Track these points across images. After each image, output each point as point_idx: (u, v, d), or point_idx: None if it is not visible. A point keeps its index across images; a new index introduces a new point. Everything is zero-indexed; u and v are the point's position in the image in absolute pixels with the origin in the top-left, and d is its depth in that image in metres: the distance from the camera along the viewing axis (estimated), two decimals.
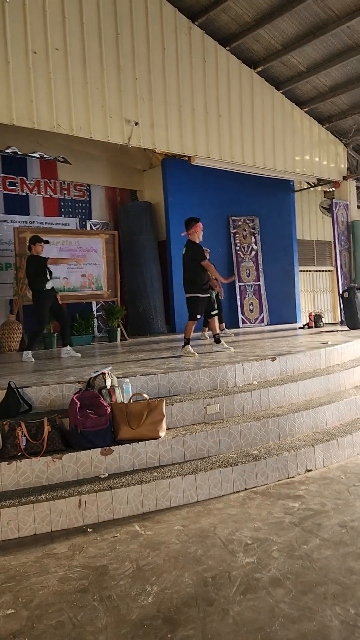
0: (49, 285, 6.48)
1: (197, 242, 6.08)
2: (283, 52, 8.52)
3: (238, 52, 8.64)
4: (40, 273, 6.46)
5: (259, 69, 8.93)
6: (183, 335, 6.08)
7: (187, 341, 5.96)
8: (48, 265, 6.51)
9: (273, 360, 5.05)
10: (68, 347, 6.60)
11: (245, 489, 3.61)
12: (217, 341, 6.21)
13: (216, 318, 6.37)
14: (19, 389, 3.97)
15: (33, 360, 6.16)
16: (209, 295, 6.16)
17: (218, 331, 6.36)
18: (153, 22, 7.55)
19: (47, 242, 6.71)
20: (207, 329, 7.84)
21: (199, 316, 6.07)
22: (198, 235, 6.09)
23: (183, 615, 2.20)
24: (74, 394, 3.78)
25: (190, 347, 5.91)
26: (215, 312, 6.35)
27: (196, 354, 5.81)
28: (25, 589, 2.49)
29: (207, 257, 6.18)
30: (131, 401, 3.85)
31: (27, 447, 3.44)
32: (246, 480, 3.62)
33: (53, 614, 2.27)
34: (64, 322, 6.74)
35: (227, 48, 8.50)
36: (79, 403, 3.66)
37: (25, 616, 2.27)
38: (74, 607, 2.31)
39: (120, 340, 8.61)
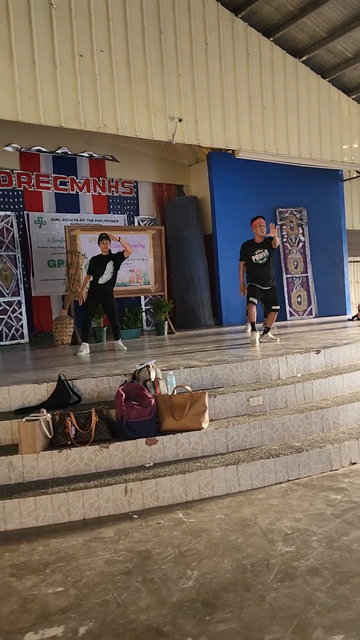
0: (101, 280, 6.74)
1: (254, 238, 6.41)
2: (328, 39, 8.36)
3: (282, 42, 8.54)
4: (92, 268, 6.80)
5: (304, 58, 8.79)
6: None
7: (252, 326, 6.30)
8: (108, 262, 6.79)
9: (317, 353, 5.03)
10: (117, 341, 6.85)
11: (288, 480, 3.65)
12: (265, 332, 6.53)
13: (275, 314, 6.60)
14: (69, 381, 4.16)
15: (84, 353, 6.40)
16: (268, 288, 6.44)
17: (270, 325, 6.67)
18: (195, 18, 7.59)
19: (102, 237, 6.89)
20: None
21: (251, 298, 6.39)
22: (254, 232, 6.40)
23: (221, 599, 2.29)
24: (120, 386, 3.92)
25: (256, 336, 6.08)
26: (277, 307, 6.56)
27: (258, 344, 6.00)
28: (74, 569, 2.65)
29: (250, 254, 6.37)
30: (174, 393, 3.96)
31: (76, 437, 3.62)
32: (288, 472, 3.66)
33: (99, 593, 2.42)
34: (110, 316, 7.00)
35: (271, 39, 8.42)
36: (124, 395, 3.80)
37: (74, 594, 2.42)
38: (119, 588, 2.44)
39: (168, 333, 8.76)
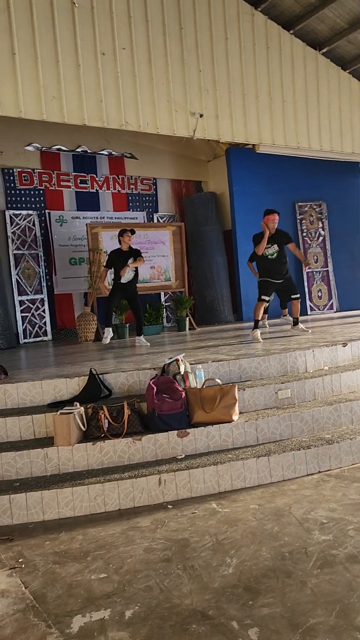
0: (123, 279, 6.81)
1: (263, 235, 6.37)
2: (349, 30, 8.29)
3: (302, 34, 8.49)
4: (112, 265, 6.88)
5: (324, 50, 8.73)
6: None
7: (255, 323, 6.29)
8: (129, 258, 6.85)
9: (344, 346, 5.03)
10: (140, 337, 6.88)
11: (319, 471, 3.68)
12: (295, 323, 6.57)
13: (297, 302, 6.60)
14: (100, 375, 4.23)
15: (108, 338, 6.66)
16: (281, 281, 6.42)
17: (298, 315, 6.66)
18: (215, 12, 7.59)
19: (126, 230, 6.95)
20: (286, 310, 7.96)
21: (263, 296, 6.40)
22: (267, 225, 6.39)
23: (263, 585, 2.33)
24: (151, 380, 3.98)
25: (258, 333, 6.12)
26: (296, 296, 6.56)
27: (261, 340, 6.01)
28: (114, 557, 2.71)
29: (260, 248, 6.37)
30: (204, 386, 4.00)
31: (109, 429, 3.69)
32: (319, 464, 3.68)
33: (141, 579, 2.48)
34: (135, 313, 7.05)
35: (291, 31, 8.38)
36: (155, 388, 3.86)
37: (117, 580, 2.48)
38: (160, 574, 2.50)
39: (189, 329, 8.80)
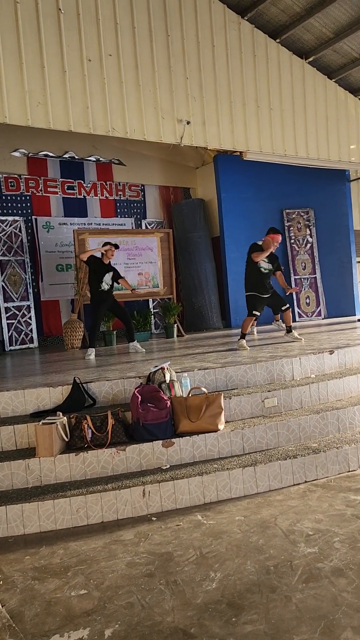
0: (105, 286, 6.78)
1: (265, 249, 6.35)
2: (335, 39, 8.35)
3: (288, 43, 8.55)
4: (92, 275, 6.83)
5: (310, 59, 8.79)
6: (240, 330, 6.40)
7: (242, 335, 6.22)
8: (108, 272, 6.83)
9: (331, 354, 5.01)
10: (134, 342, 6.85)
11: (305, 481, 3.63)
12: (289, 331, 6.60)
13: (289, 312, 6.65)
14: (84, 384, 4.17)
15: (92, 358, 6.40)
16: (269, 295, 6.48)
17: (290, 323, 6.70)
18: (202, 20, 7.61)
19: (110, 244, 6.90)
20: (278, 316, 8.01)
21: (255, 312, 6.41)
22: (265, 241, 6.39)
23: (246, 600, 2.28)
24: (135, 388, 3.92)
25: (244, 342, 6.11)
26: (287, 306, 6.60)
27: (248, 347, 6.01)
28: (95, 572, 2.64)
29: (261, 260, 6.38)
30: (190, 395, 3.95)
31: (93, 439, 3.62)
32: (306, 473, 3.64)
33: (123, 595, 2.41)
34: (123, 319, 7.00)
35: (277, 40, 8.42)
36: (140, 397, 3.80)
37: (97, 597, 2.41)
38: (142, 590, 2.43)
39: (177, 336, 8.75)
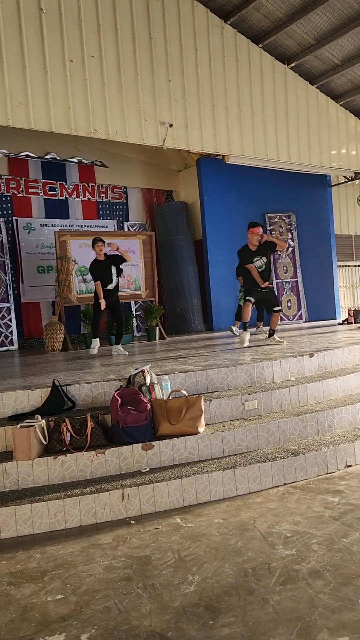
0: (110, 286, 6.84)
1: (248, 245, 6.56)
2: (317, 46, 8.45)
3: (271, 48, 8.62)
4: (100, 276, 6.84)
5: (293, 65, 8.87)
6: None
7: (244, 326, 6.47)
8: (111, 266, 6.88)
9: (311, 357, 5.04)
10: (118, 346, 6.88)
11: (285, 483, 3.65)
12: (271, 334, 6.66)
13: (278, 315, 6.71)
14: (63, 387, 4.13)
15: (95, 349, 6.73)
16: (266, 291, 6.58)
17: (275, 327, 6.75)
18: (185, 24, 7.63)
19: (96, 240, 6.90)
20: (261, 324, 8.11)
21: (248, 297, 6.53)
22: (250, 238, 6.56)
23: (224, 603, 2.27)
24: (115, 391, 3.90)
25: (246, 336, 6.29)
26: (278, 308, 6.68)
27: (245, 344, 6.22)
28: (73, 576, 2.61)
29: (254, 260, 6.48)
30: (170, 397, 3.94)
31: (72, 442, 3.58)
32: (285, 475, 3.66)
33: (100, 600, 2.38)
34: (117, 321, 7.09)
35: (260, 45, 8.49)
36: (120, 400, 3.78)
37: (74, 601, 2.39)
38: (119, 594, 2.41)
39: (159, 339, 8.73)
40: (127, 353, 6.70)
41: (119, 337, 6.99)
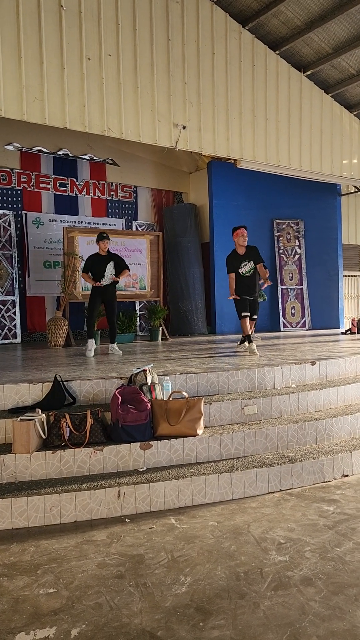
0: (104, 282, 6.68)
1: (236, 249, 6.49)
2: (334, 55, 8.47)
3: (287, 55, 8.65)
4: (90, 269, 6.76)
5: (308, 73, 8.90)
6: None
7: (248, 339, 6.29)
8: (108, 262, 6.77)
9: (313, 365, 5.05)
10: (114, 345, 6.79)
11: (280, 490, 3.65)
12: (245, 341, 6.54)
13: (253, 322, 6.76)
14: (65, 382, 4.15)
15: (92, 351, 6.44)
16: (252, 299, 6.53)
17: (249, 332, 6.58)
18: (204, 27, 7.67)
19: (103, 237, 6.82)
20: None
21: (243, 313, 6.44)
22: (236, 242, 6.51)
23: (215, 605, 2.28)
24: (116, 389, 3.91)
25: (254, 346, 6.14)
26: (255, 316, 6.73)
27: (258, 353, 6.07)
28: (65, 571, 2.63)
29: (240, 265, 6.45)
30: (170, 398, 3.95)
31: (71, 438, 3.60)
32: (281, 482, 3.66)
33: (91, 595, 2.40)
34: (109, 318, 6.91)
35: (277, 52, 8.52)
36: (120, 398, 3.79)
37: (66, 596, 2.40)
38: (111, 591, 2.42)
39: (162, 339, 8.75)
40: (121, 352, 6.61)
41: (112, 335, 6.85)
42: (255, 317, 6.72)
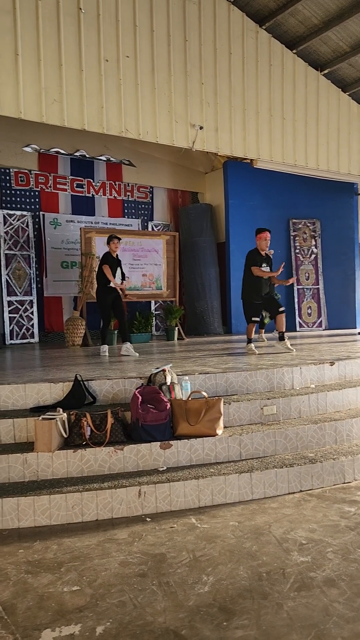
0: (113, 283, 6.70)
1: (259, 249, 6.46)
2: (351, 53, 8.41)
3: (304, 54, 8.60)
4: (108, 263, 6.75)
5: (326, 71, 8.85)
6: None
7: (249, 340, 6.41)
8: (119, 265, 6.85)
9: (332, 365, 5.02)
10: (127, 344, 6.63)
11: (301, 490, 3.65)
12: (281, 338, 6.41)
13: (282, 316, 6.45)
14: (85, 382, 4.18)
15: (106, 355, 6.46)
16: (261, 302, 6.47)
17: (283, 329, 6.48)
18: (220, 27, 7.67)
19: (114, 237, 6.87)
20: (263, 331, 8.07)
21: (254, 318, 6.46)
22: (258, 244, 6.49)
23: (238, 605, 2.29)
24: (136, 389, 3.93)
25: (252, 345, 6.27)
26: (282, 309, 6.43)
27: (256, 351, 6.18)
28: (88, 569, 2.65)
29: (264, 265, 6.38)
30: (190, 398, 3.97)
31: (92, 437, 3.63)
32: (301, 482, 3.65)
33: (115, 593, 2.42)
34: (119, 318, 6.89)
35: (294, 51, 8.48)
36: (140, 397, 3.81)
37: (90, 594, 2.42)
38: (134, 590, 2.44)
39: (178, 339, 8.77)
40: (137, 354, 6.34)
41: (124, 333, 6.74)
42: (283, 309, 6.42)
